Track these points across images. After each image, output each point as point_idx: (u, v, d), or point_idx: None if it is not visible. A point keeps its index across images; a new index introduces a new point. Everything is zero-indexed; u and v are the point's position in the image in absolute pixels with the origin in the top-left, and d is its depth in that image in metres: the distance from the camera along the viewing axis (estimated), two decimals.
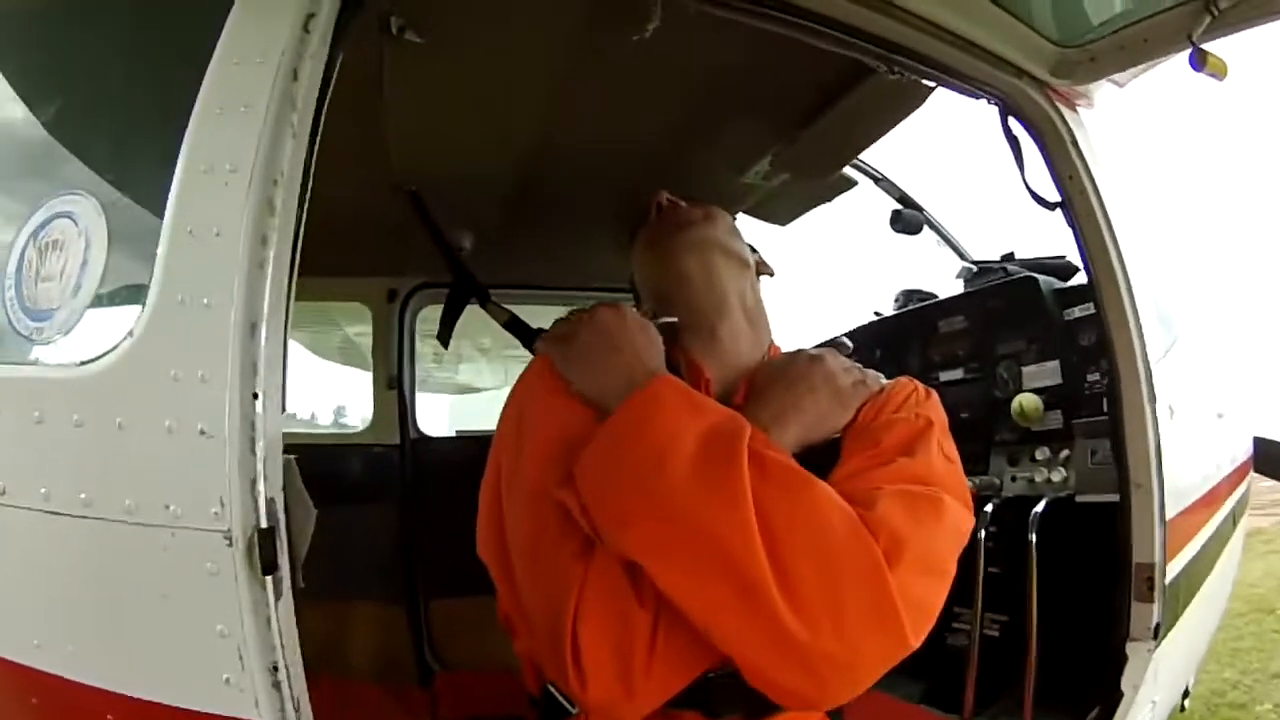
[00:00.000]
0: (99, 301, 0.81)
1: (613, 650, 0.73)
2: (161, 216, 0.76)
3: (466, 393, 3.39)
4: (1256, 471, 2.36)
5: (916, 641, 0.74)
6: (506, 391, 0.94)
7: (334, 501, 2.21)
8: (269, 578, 0.70)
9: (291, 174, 0.76)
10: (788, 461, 0.77)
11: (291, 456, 0.76)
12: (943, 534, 0.79)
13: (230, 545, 0.69)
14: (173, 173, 0.77)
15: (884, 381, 0.93)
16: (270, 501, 0.70)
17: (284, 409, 0.74)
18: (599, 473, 0.76)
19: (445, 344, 1.91)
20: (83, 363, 0.76)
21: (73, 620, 0.76)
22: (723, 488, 0.72)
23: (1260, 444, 2.36)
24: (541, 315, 2.26)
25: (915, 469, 0.82)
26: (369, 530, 2.30)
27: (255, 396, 0.70)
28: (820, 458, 0.83)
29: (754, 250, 1.09)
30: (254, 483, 0.70)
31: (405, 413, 2.40)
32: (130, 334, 0.74)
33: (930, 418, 0.88)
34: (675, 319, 0.95)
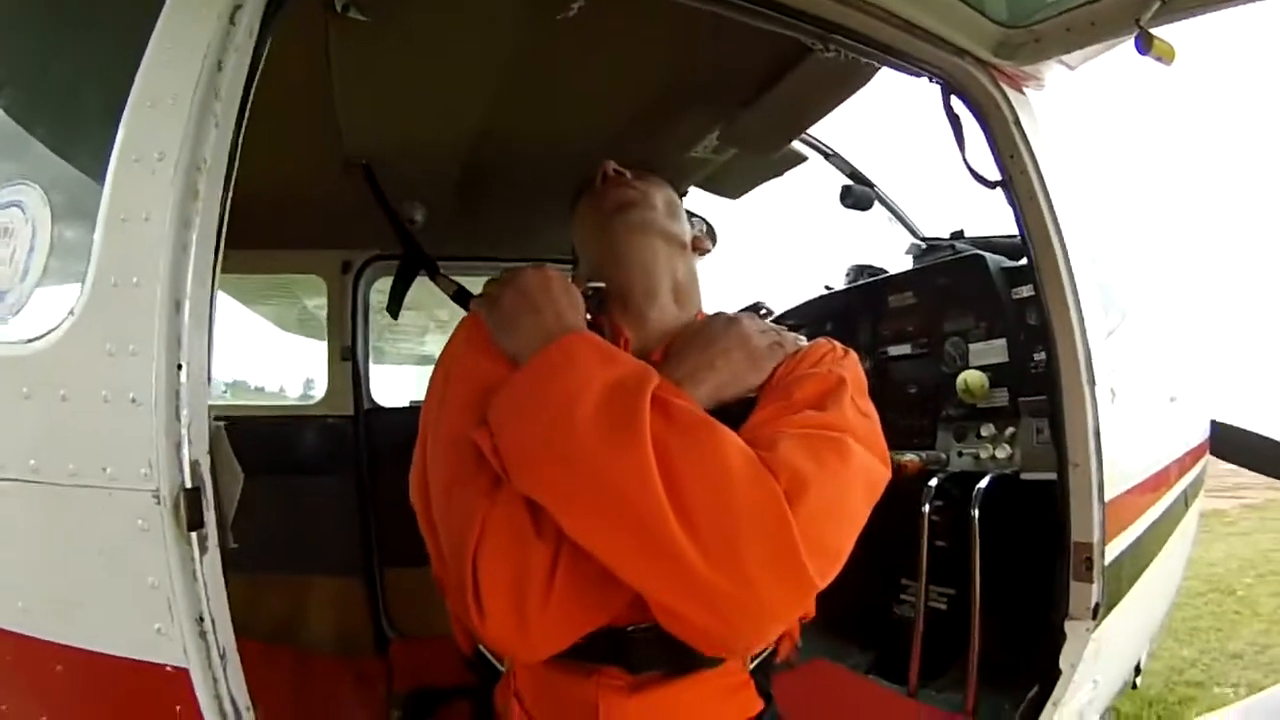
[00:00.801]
0: (44, 283, 0.89)
1: (509, 583, 0.77)
2: (98, 202, 0.83)
3: (428, 364, 3.47)
4: (1213, 455, 2.42)
5: (822, 582, 0.78)
6: None
7: (290, 472, 2.30)
8: (194, 534, 0.78)
9: (215, 161, 0.83)
10: (692, 408, 0.81)
11: (220, 423, 0.84)
12: (848, 477, 0.82)
13: (159, 503, 0.77)
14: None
15: (802, 343, 0.98)
16: (195, 463, 0.79)
17: (209, 379, 0.82)
18: (510, 416, 0.80)
19: (395, 315, 1.98)
20: (30, 340, 0.84)
21: (24, 578, 0.85)
22: (623, 433, 0.75)
23: (1217, 427, 2.42)
24: None
25: (825, 419, 0.85)
26: (325, 501, 2.38)
27: (180, 367, 0.78)
28: (735, 417, 0.86)
29: (695, 218, 1.15)
30: (179, 446, 0.78)
31: (359, 383, 2.47)
32: (71, 313, 0.82)
33: (843, 375, 0.91)
34: (603, 284, 1.02)
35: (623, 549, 0.75)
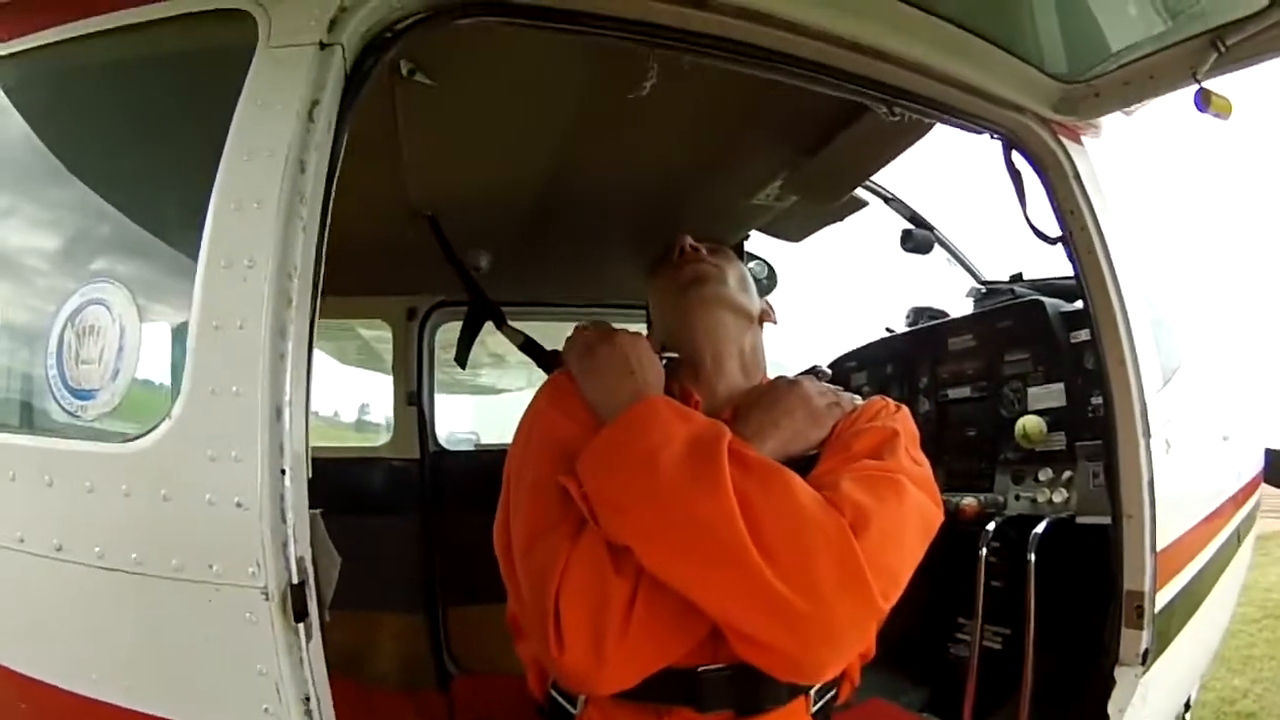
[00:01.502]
0: (136, 384, 0.92)
1: (589, 616, 0.85)
2: (186, 305, 0.85)
3: (487, 393, 3.54)
4: (1268, 483, 2.41)
5: (886, 604, 0.87)
6: (528, 394, 1.12)
7: (357, 513, 2.40)
8: (301, 624, 0.82)
9: (304, 267, 0.85)
10: (764, 458, 0.91)
11: (317, 511, 0.87)
12: (904, 512, 0.92)
13: (267, 600, 0.81)
14: (195, 263, 0.86)
15: (858, 402, 1.07)
16: (300, 559, 0.82)
17: (309, 477, 0.85)
18: (599, 466, 0.90)
19: (463, 365, 2.04)
20: (126, 439, 0.88)
21: (127, 657, 0.88)
22: (706, 478, 0.85)
23: (1272, 456, 2.41)
24: (557, 332, 2.39)
25: (881, 465, 0.95)
26: (391, 541, 2.45)
27: (283, 473, 0.81)
28: (799, 471, 0.94)
29: (757, 260, 1.21)
30: (285, 545, 0.81)
31: (425, 427, 2.53)
32: (169, 416, 0.85)
33: (896, 428, 1.01)
34: (676, 355, 1.11)
35: (708, 579, 0.84)
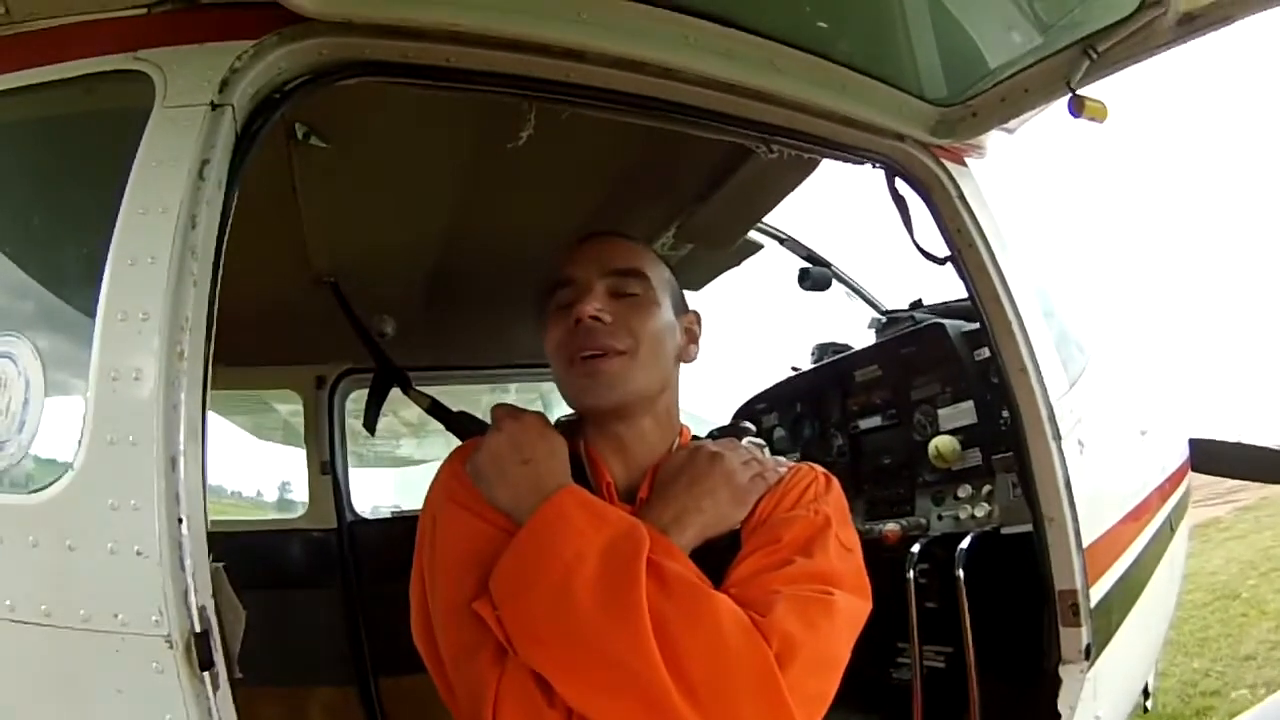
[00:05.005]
0: (42, 436, 0.95)
1: None
2: (89, 358, 0.89)
3: (407, 465, 3.56)
4: (1196, 471, 2.49)
5: None
6: None
7: (277, 587, 2.37)
8: (206, 673, 0.85)
9: (196, 319, 0.90)
10: (685, 574, 0.87)
11: (220, 565, 0.90)
12: (835, 632, 0.89)
13: (171, 648, 0.83)
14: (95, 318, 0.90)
15: (783, 470, 1.03)
16: (202, 609, 0.85)
17: (207, 527, 0.88)
18: (511, 589, 0.86)
19: (371, 431, 2.06)
20: (33, 491, 0.91)
21: (40, 716, 0.89)
22: (623, 608, 0.82)
23: (1196, 445, 2.50)
24: (467, 395, 2.33)
25: (813, 569, 0.91)
26: (315, 614, 2.44)
27: (180, 521, 0.85)
28: (720, 552, 0.94)
29: (688, 313, 1.12)
30: (186, 594, 0.85)
31: (340, 496, 2.53)
32: (71, 467, 0.88)
33: (828, 514, 0.97)
34: (575, 415, 1.07)
35: (625, 718, 0.82)
